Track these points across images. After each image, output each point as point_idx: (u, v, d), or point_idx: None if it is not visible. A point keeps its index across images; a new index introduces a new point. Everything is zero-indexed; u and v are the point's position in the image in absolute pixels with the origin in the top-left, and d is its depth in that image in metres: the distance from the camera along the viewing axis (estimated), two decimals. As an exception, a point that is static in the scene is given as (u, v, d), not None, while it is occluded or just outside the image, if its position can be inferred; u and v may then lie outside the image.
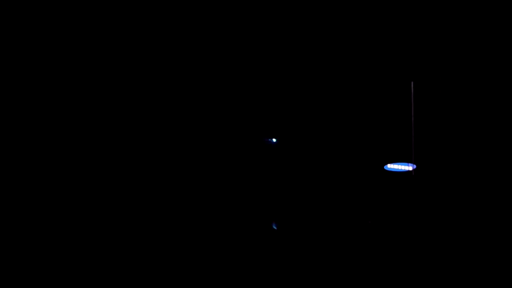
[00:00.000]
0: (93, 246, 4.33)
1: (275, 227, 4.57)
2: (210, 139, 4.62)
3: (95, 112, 4.37)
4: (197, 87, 4.45)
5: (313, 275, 4.42)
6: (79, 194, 4.43)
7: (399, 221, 4.72)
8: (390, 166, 4.92)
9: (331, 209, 4.83)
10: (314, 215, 4.83)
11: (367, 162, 4.79)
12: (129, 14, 3.96)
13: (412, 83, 4.12)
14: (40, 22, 3.95)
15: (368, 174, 4.83)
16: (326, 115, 4.56)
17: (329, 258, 4.53)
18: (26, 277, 4.10)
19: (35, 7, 3.85)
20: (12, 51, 4.03)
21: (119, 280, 4.23)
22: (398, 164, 4.91)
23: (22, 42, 4.02)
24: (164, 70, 4.33)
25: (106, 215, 4.46)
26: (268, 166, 4.74)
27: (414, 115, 4.24)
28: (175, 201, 4.63)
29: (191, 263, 4.40)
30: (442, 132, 4.29)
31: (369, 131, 4.64)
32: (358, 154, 4.78)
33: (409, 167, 4.83)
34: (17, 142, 4.25)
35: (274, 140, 4.48)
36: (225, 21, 4.11)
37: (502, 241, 4.16)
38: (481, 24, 3.83)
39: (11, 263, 4.11)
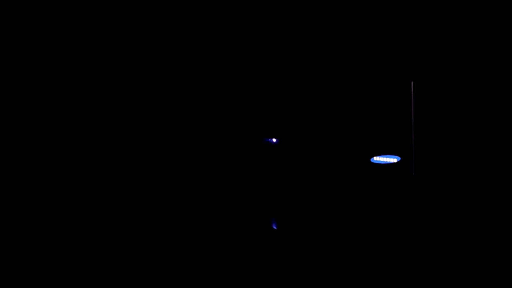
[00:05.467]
0: (93, 246, 4.25)
1: (274, 226, 4.54)
2: (210, 139, 4.45)
3: (95, 112, 4.22)
4: (197, 87, 4.26)
5: (307, 273, 4.50)
6: (79, 193, 4.33)
7: (389, 215, 4.95)
8: (376, 159, 5.10)
9: (324, 204, 4.90)
10: (309, 211, 4.87)
11: (356, 155, 4.89)
12: (129, 14, 3.75)
13: (412, 83, 4.21)
14: (40, 22, 3.83)
15: (355, 167, 4.94)
16: (325, 114, 4.53)
17: (320, 254, 4.63)
18: (26, 277, 3.99)
19: (35, 7, 3.71)
20: (12, 51, 3.92)
21: (119, 280, 4.11)
22: (384, 157, 5.10)
23: (22, 42, 3.93)
24: (164, 70, 4.17)
25: (107, 215, 4.38)
26: (265, 164, 4.66)
27: (411, 114, 4.37)
28: (175, 201, 4.52)
29: (191, 262, 4.34)
30: (440, 131, 4.49)
31: (363, 127, 4.71)
32: (348, 149, 4.86)
33: (394, 159, 5.04)
34: (17, 142, 4.14)
35: (274, 140, 4.36)
36: (225, 21, 3.99)
37: (493, 239, 4.54)
38: (480, 24, 3.99)
39: (11, 263, 4.04)
